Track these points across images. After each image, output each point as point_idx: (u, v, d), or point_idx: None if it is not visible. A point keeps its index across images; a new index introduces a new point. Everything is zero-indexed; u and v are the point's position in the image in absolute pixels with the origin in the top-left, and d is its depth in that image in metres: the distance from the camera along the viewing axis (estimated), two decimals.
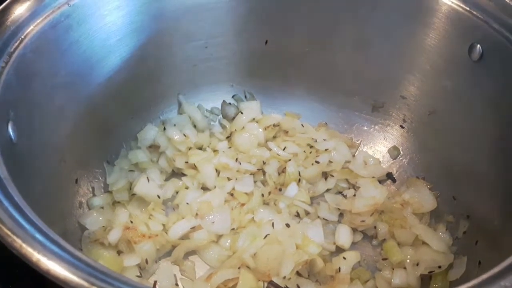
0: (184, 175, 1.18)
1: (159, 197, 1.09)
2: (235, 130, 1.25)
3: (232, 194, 1.13)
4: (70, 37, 0.93)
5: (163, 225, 1.07)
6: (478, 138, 1.02)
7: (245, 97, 1.30)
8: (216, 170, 1.16)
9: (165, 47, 1.15)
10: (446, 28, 1.02)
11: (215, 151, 1.21)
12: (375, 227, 1.09)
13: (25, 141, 0.82)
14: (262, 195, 1.13)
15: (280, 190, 1.16)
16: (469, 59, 0.99)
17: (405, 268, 1.01)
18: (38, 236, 0.59)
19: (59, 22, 0.90)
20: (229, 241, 1.05)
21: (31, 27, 0.85)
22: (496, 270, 0.59)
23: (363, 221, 1.08)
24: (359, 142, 1.27)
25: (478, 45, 0.96)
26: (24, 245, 0.58)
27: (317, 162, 1.19)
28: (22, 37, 0.84)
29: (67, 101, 0.97)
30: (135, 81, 1.13)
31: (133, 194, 1.09)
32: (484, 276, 0.57)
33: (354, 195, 1.13)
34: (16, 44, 0.82)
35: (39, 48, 0.86)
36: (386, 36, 1.11)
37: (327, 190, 1.17)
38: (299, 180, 1.16)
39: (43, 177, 0.90)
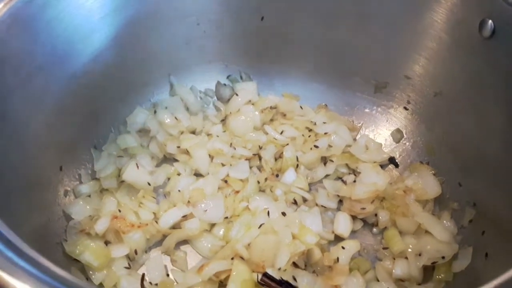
0: (176, 160, 1.13)
1: (149, 184, 1.05)
2: (230, 113, 1.20)
3: (226, 181, 1.08)
4: (48, 14, 0.87)
5: (154, 213, 1.03)
6: (487, 121, 0.96)
7: (241, 77, 1.25)
8: (210, 155, 1.12)
9: (154, 25, 1.09)
10: (455, 2, 0.95)
11: (209, 135, 1.16)
12: (376, 215, 1.05)
13: (1, 128, 0.77)
14: (258, 181, 1.09)
15: (277, 176, 1.11)
16: (479, 35, 0.92)
17: (406, 258, 0.97)
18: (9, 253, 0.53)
19: None
20: (222, 230, 1.01)
21: (2, 3, 0.80)
22: (510, 273, 0.53)
23: (364, 208, 1.04)
24: (360, 125, 1.22)
25: (490, 21, 0.90)
26: None
27: (316, 146, 1.14)
28: None
29: (48, 83, 0.92)
30: (123, 62, 1.08)
31: (122, 181, 1.04)
32: (495, 282, 0.52)
33: (354, 181, 1.09)
34: None
35: (12, 27, 0.81)
36: (389, 12, 1.05)
37: (326, 176, 1.13)
38: (297, 165, 1.12)
39: (22, 165, 0.85)
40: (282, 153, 1.13)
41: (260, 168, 1.13)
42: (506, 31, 0.88)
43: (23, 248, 0.56)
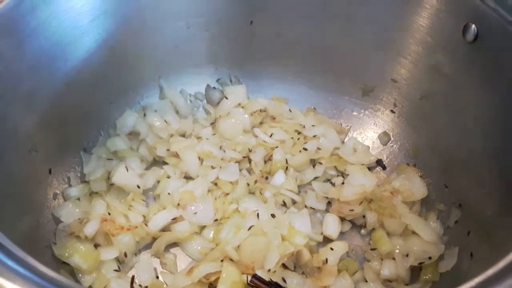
0: (165, 163, 1.13)
1: (139, 187, 1.05)
2: (220, 116, 1.20)
3: (216, 184, 1.09)
4: (36, 17, 0.87)
5: (144, 216, 1.03)
6: (471, 123, 0.98)
7: (230, 81, 1.25)
8: (200, 158, 1.12)
9: (143, 28, 1.09)
10: (439, 7, 0.97)
11: (198, 138, 1.16)
12: (364, 216, 1.06)
13: None
14: (248, 184, 1.09)
15: (266, 178, 1.12)
16: (463, 40, 0.94)
17: (394, 259, 0.98)
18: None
19: (22, 0, 0.84)
20: (212, 232, 1.01)
21: None
22: (491, 272, 0.55)
23: (352, 210, 1.05)
24: (348, 127, 1.23)
25: (473, 25, 0.92)
26: None
27: (305, 149, 1.14)
28: None
29: (37, 86, 0.91)
30: (112, 65, 1.08)
31: (112, 184, 1.04)
32: (477, 279, 0.53)
33: (343, 183, 1.10)
34: None
35: (2, 29, 0.81)
36: (376, 16, 1.06)
37: (315, 178, 1.13)
38: (286, 168, 1.13)
39: (11, 168, 0.85)
40: (271, 155, 1.13)
41: (249, 171, 1.13)
42: (488, 36, 0.90)
43: (12, 249, 0.56)
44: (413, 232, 1.00)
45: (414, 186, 1.07)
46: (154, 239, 1.00)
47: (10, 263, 0.54)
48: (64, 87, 0.99)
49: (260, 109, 1.22)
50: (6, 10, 0.81)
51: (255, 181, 1.11)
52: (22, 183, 0.89)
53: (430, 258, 0.95)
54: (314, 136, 1.17)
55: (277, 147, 1.15)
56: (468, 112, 0.98)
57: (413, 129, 1.14)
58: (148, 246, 1.01)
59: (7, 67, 0.83)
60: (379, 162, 1.17)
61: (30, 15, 0.86)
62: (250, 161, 1.14)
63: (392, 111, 1.17)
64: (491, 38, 0.89)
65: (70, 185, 1.04)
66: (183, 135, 1.18)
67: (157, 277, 0.97)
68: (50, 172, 0.99)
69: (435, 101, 1.07)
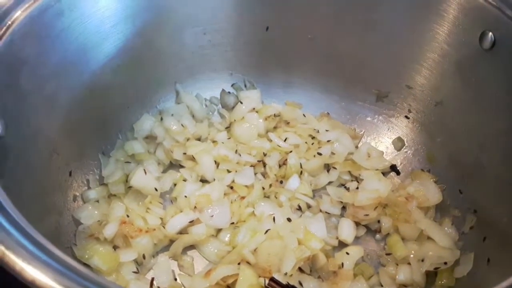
0: (182, 167, 1.14)
1: (156, 189, 1.06)
2: (235, 120, 1.21)
3: (231, 187, 1.09)
4: (61, 23, 0.89)
5: (161, 218, 1.04)
6: (487, 129, 0.99)
7: (245, 85, 1.27)
8: (215, 161, 1.13)
9: (161, 34, 1.11)
10: (456, 15, 0.98)
11: (214, 142, 1.17)
12: (378, 221, 1.06)
13: (13, 134, 0.78)
14: (263, 188, 1.10)
15: (281, 182, 1.13)
16: (480, 47, 0.95)
17: (409, 263, 0.98)
18: (24, 241, 0.55)
19: (49, 6, 0.86)
20: (228, 235, 1.02)
21: (19, 12, 0.81)
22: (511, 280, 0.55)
23: (367, 215, 1.05)
24: (362, 133, 1.23)
25: (490, 33, 0.92)
26: (7, 252, 0.53)
27: (319, 153, 1.15)
28: (9, 22, 0.79)
29: (59, 90, 0.93)
30: (131, 69, 1.09)
31: (130, 187, 1.05)
32: (504, 283, 0.54)
33: (357, 188, 1.10)
34: (3, 30, 0.78)
35: (28, 34, 0.82)
36: (392, 23, 1.07)
37: (330, 183, 1.14)
38: (301, 172, 1.14)
39: (33, 170, 0.86)
40: (286, 160, 1.14)
41: (264, 175, 1.14)
42: (505, 43, 0.90)
43: (41, 240, 0.57)
44: (428, 238, 1.00)
45: (429, 191, 1.07)
46: (172, 241, 1.01)
47: (37, 252, 0.55)
48: (85, 91, 1.00)
49: (274, 114, 1.22)
50: (33, 16, 0.83)
51: (270, 185, 1.11)
52: (44, 185, 0.90)
53: (445, 263, 0.95)
54: (328, 141, 1.18)
55: (291, 151, 1.15)
56: (483, 118, 0.99)
57: (427, 135, 1.14)
58: (166, 248, 1.01)
59: (32, 71, 0.84)
60: (393, 168, 1.17)
61: (56, 20, 0.88)
62: (265, 165, 1.15)
63: (406, 117, 1.18)
64: (508, 46, 0.90)
65: (89, 188, 1.05)
66: (199, 139, 1.19)
67: (175, 279, 0.98)
68: (70, 174, 1.00)
69: (450, 107, 1.07)
